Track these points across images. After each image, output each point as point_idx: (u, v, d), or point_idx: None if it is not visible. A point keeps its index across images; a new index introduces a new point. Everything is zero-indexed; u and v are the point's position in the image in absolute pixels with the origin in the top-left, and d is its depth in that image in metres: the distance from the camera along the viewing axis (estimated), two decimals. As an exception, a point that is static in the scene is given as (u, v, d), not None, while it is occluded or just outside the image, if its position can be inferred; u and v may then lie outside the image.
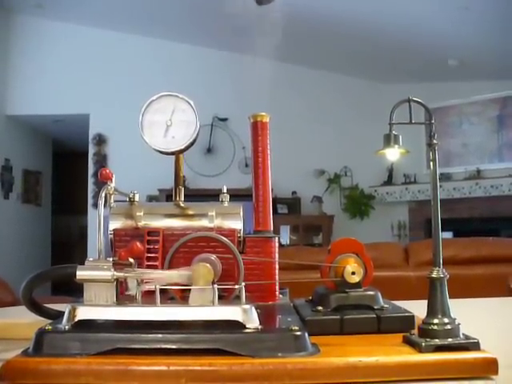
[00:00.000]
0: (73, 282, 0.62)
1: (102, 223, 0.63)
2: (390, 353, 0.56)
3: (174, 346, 0.56)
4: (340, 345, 0.61)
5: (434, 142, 0.61)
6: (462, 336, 0.57)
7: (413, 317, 0.66)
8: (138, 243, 0.63)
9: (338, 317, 0.66)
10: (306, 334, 0.57)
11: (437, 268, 0.59)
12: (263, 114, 0.80)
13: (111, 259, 0.62)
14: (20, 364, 0.54)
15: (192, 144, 0.72)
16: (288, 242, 4.60)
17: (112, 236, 0.73)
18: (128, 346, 0.56)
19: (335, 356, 0.55)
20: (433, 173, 0.61)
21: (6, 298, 2.28)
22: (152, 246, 0.72)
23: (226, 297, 0.64)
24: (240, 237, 0.75)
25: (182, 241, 0.65)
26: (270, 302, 0.75)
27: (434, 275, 0.59)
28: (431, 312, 0.59)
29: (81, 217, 5.07)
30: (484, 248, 1.97)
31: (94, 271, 0.61)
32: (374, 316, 0.66)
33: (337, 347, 0.59)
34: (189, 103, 0.71)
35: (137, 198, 0.75)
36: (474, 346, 0.56)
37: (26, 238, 5.00)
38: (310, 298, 0.77)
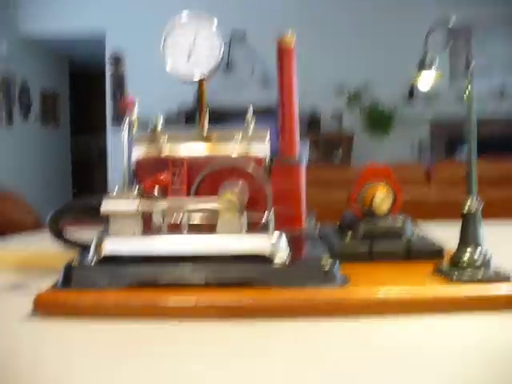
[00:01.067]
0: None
1: (126, 154, 0.62)
2: (420, 284, 0.56)
3: (201, 281, 0.56)
4: (369, 274, 0.60)
5: (472, 65, 0.58)
6: (492, 268, 0.57)
7: (442, 249, 0.65)
8: (164, 174, 0.62)
9: (367, 246, 0.66)
10: (336, 265, 0.57)
11: (471, 197, 0.58)
12: (289, 36, 0.75)
13: (136, 190, 0.61)
14: (51, 297, 0.55)
15: (216, 70, 0.69)
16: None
17: (135, 165, 0.72)
18: (155, 281, 0.56)
19: (364, 288, 0.55)
20: (469, 96, 0.58)
21: (30, 221, 2.33)
22: (177, 176, 0.71)
23: (253, 226, 0.63)
24: (267, 163, 0.73)
25: (208, 170, 0.64)
26: (297, 228, 0.74)
27: (467, 205, 0.58)
28: (463, 243, 0.58)
29: (100, 137, 5.08)
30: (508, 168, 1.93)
31: (119, 204, 0.60)
32: (403, 248, 0.66)
33: (366, 277, 0.59)
34: (212, 25, 0.68)
35: (160, 123, 0.73)
36: (505, 279, 0.55)
37: (45, 159, 5.05)
38: (338, 223, 0.76)
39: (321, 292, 0.54)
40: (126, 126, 0.64)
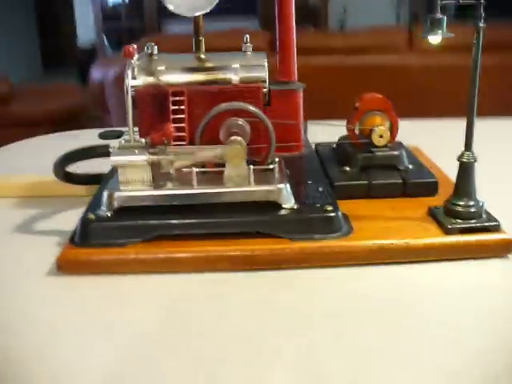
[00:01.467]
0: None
1: (130, 106, 0.62)
2: (419, 234, 0.60)
3: (212, 231, 0.60)
4: (369, 218, 0.64)
5: (481, 25, 0.57)
6: (484, 217, 0.61)
7: (436, 182, 0.69)
8: (171, 126, 0.62)
9: (366, 182, 0.69)
10: (340, 214, 0.61)
11: (467, 152, 0.61)
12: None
13: (143, 140, 0.62)
14: (73, 256, 0.58)
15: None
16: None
17: (133, 94, 0.71)
18: (169, 233, 0.60)
19: (368, 238, 0.60)
20: (475, 56, 0.58)
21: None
22: (178, 107, 0.71)
23: (256, 161, 0.65)
24: (266, 90, 0.73)
25: (210, 115, 0.64)
26: (296, 153, 0.76)
27: (464, 159, 0.61)
28: (458, 194, 0.61)
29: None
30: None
31: (128, 156, 0.61)
32: (401, 181, 0.69)
33: (366, 222, 0.63)
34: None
35: (155, 50, 0.71)
36: (495, 227, 0.60)
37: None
38: (334, 146, 0.79)
39: (329, 242, 0.59)
40: (128, 74, 0.62)
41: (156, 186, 0.61)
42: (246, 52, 0.74)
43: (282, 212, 0.61)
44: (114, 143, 0.64)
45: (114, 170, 0.66)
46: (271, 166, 0.63)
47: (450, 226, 0.60)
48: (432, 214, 0.64)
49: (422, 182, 0.69)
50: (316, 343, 0.48)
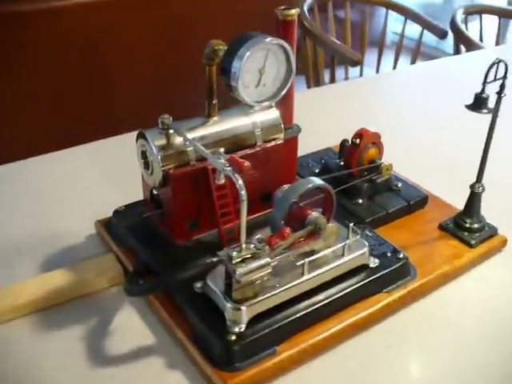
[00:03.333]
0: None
1: (244, 211, 0.61)
2: (456, 251, 0.77)
3: (330, 309, 0.67)
4: (406, 248, 0.77)
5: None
6: (486, 228, 0.81)
7: (427, 196, 0.86)
8: (287, 229, 0.63)
9: (385, 212, 0.81)
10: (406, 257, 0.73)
11: (478, 183, 0.78)
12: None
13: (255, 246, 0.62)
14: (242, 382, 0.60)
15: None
16: None
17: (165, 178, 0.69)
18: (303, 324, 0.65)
19: (431, 271, 0.74)
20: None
21: None
22: (223, 188, 0.70)
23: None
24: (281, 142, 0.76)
25: (295, 196, 0.67)
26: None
27: (475, 190, 0.78)
28: (468, 213, 0.79)
29: None
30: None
31: (252, 264, 0.61)
32: (406, 203, 0.83)
33: (410, 254, 0.76)
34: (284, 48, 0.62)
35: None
36: (495, 231, 0.81)
37: None
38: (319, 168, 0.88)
39: (409, 286, 0.72)
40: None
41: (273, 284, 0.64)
42: (254, 107, 0.75)
43: (373, 272, 0.70)
44: (222, 253, 0.63)
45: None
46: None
47: (473, 242, 0.78)
48: (444, 229, 0.81)
49: (419, 198, 0.85)
50: None
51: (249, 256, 0.62)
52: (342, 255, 0.69)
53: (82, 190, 0.93)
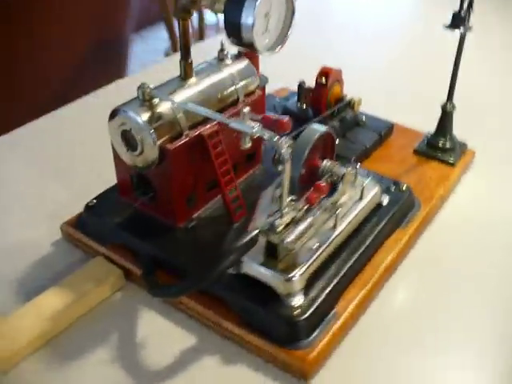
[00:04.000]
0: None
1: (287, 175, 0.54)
2: (441, 178, 0.77)
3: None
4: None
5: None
6: (458, 145, 0.82)
7: (393, 125, 0.85)
8: (322, 182, 0.58)
9: (364, 147, 0.79)
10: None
11: (449, 102, 0.78)
12: None
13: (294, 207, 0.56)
14: (312, 357, 0.55)
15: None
16: None
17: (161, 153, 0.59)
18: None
19: (430, 200, 0.74)
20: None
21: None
22: (218, 149, 0.62)
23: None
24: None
25: (309, 149, 0.61)
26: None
27: (447, 109, 0.78)
28: (440, 133, 0.80)
29: None
30: None
31: (297, 229, 0.55)
32: (379, 136, 0.81)
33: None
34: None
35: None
36: (465, 147, 0.82)
37: None
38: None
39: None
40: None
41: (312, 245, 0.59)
42: (225, 60, 0.68)
43: (386, 209, 0.68)
44: (262, 225, 0.56)
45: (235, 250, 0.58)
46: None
47: (452, 160, 0.79)
48: (419, 153, 0.81)
49: (387, 128, 0.83)
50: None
51: (289, 221, 0.56)
52: (361, 199, 0.65)
53: (16, 195, 0.78)
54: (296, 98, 0.82)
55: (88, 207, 0.67)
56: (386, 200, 0.69)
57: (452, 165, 0.79)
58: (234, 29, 0.52)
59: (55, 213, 0.72)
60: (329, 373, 0.54)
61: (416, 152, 0.81)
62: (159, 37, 3.01)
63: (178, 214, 0.63)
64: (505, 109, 0.99)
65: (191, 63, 0.63)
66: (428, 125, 0.82)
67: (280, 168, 0.53)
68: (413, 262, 0.67)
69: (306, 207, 0.58)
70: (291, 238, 0.54)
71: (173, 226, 0.64)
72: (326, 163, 0.63)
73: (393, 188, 0.70)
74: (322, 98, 0.78)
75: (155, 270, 0.60)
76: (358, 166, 0.65)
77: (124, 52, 1.91)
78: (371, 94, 0.84)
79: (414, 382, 0.54)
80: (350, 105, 0.78)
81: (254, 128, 0.52)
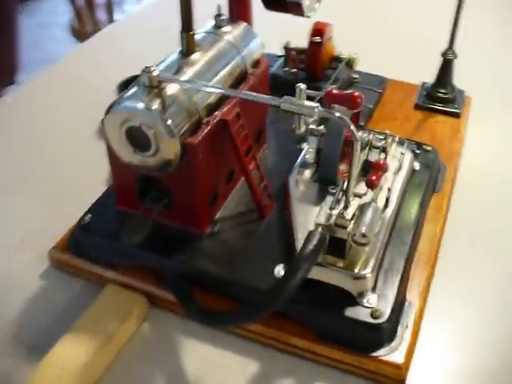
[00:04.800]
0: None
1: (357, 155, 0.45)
2: (452, 132, 0.71)
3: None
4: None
5: None
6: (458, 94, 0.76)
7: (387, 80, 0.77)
8: (381, 160, 0.49)
9: (368, 108, 0.71)
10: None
11: (450, 50, 0.71)
12: None
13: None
14: None
15: None
16: None
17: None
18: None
19: (451, 159, 0.68)
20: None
21: None
22: (240, 132, 0.52)
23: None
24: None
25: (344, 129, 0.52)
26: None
27: (448, 57, 0.72)
28: (440, 83, 0.74)
29: None
30: None
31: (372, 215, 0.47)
32: (377, 93, 0.74)
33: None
34: None
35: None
36: (463, 94, 0.77)
37: None
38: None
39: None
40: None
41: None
42: (223, 27, 0.57)
43: (420, 174, 0.61)
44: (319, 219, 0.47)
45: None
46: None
47: (457, 110, 0.73)
48: (422, 107, 0.74)
49: (383, 84, 0.76)
50: None
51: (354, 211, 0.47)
52: (400, 168, 0.58)
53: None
54: (281, 62, 0.73)
55: (84, 226, 0.54)
56: (417, 165, 0.62)
57: (458, 115, 0.73)
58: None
59: (30, 236, 0.59)
60: (419, 368, 0.48)
61: (418, 107, 0.74)
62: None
63: (202, 218, 0.53)
64: (495, 54, 0.94)
65: (194, 35, 0.51)
66: (419, 76, 0.76)
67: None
68: (455, 228, 0.61)
69: (368, 192, 0.49)
70: (363, 230, 0.46)
71: (197, 233, 0.53)
72: (363, 135, 0.55)
73: (417, 151, 0.63)
74: (317, 58, 0.69)
75: (191, 291, 0.50)
76: (396, 137, 0.58)
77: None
78: (355, 49, 0.76)
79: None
80: (349, 63, 0.70)
81: (318, 109, 0.42)
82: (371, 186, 0.48)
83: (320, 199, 0.55)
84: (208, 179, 0.51)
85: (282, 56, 0.73)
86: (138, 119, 0.46)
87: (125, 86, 0.72)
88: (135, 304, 0.51)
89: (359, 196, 0.49)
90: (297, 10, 0.43)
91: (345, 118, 0.42)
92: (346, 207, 0.47)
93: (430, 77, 0.76)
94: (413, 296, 0.51)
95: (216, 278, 0.50)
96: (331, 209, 0.48)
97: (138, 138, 0.48)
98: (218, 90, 0.47)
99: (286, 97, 0.43)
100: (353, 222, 0.46)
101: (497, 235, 0.60)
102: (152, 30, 1.01)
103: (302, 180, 0.58)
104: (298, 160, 0.59)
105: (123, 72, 0.72)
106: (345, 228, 0.46)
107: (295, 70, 0.71)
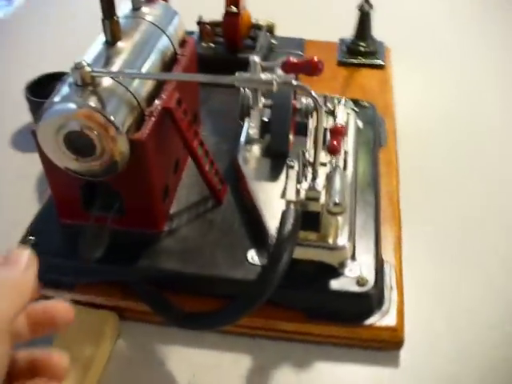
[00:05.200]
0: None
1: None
2: (382, 83, 0.71)
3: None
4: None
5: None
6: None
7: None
8: (338, 124, 0.47)
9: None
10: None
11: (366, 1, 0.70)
12: None
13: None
14: None
15: None
16: None
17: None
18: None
19: (388, 108, 0.67)
20: None
21: None
22: (183, 117, 0.48)
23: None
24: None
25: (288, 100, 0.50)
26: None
27: (364, 10, 0.71)
28: (360, 36, 0.73)
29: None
30: None
31: (336, 185, 0.45)
32: (300, 54, 0.71)
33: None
34: None
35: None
36: (383, 45, 0.76)
37: None
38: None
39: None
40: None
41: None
42: (142, 10, 0.52)
43: (365, 132, 0.61)
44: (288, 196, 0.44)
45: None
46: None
47: (381, 62, 0.73)
48: (345, 64, 0.73)
49: (302, 45, 0.74)
50: None
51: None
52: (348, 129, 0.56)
53: None
54: (196, 37, 0.69)
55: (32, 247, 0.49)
56: (360, 123, 0.60)
57: (382, 67, 0.73)
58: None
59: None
60: (412, 331, 0.47)
61: (341, 63, 0.73)
62: None
63: (158, 216, 0.49)
64: (406, 4, 0.95)
65: (118, 21, 0.46)
66: (338, 33, 0.75)
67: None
68: (408, 180, 0.61)
69: (331, 159, 0.47)
70: (336, 199, 0.44)
71: (155, 233, 0.49)
72: (305, 101, 0.53)
73: (356, 108, 0.62)
74: (235, 29, 0.65)
75: (167, 298, 0.46)
76: (343, 98, 0.56)
77: None
78: (268, 14, 0.73)
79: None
80: (269, 30, 0.67)
81: (283, 77, 0.39)
82: (334, 151, 0.46)
83: (276, 173, 0.53)
84: (159, 174, 0.47)
85: (192, 32, 0.69)
86: (77, 122, 0.41)
87: (35, 86, 0.66)
88: (106, 323, 0.46)
89: (324, 164, 0.47)
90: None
91: (306, 87, 0.40)
92: (314, 178, 0.44)
93: (347, 32, 0.75)
94: (388, 256, 0.51)
95: (188, 278, 0.47)
96: (299, 183, 0.45)
97: (78, 143, 0.43)
98: (161, 77, 0.43)
99: (240, 73, 0.40)
100: (323, 192, 0.44)
101: (448, 179, 0.61)
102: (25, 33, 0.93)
103: (251, 157, 0.55)
104: (242, 137, 0.56)
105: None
106: (317, 200, 0.44)
107: (212, 44, 0.67)
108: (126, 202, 0.47)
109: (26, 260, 0.28)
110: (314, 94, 0.40)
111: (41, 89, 0.67)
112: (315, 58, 0.39)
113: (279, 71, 0.44)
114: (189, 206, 0.52)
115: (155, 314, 0.45)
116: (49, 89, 0.67)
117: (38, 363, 0.30)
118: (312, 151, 0.48)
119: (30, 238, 0.49)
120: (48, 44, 0.85)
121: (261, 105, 0.41)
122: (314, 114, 0.53)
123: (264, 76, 0.39)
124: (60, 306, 0.30)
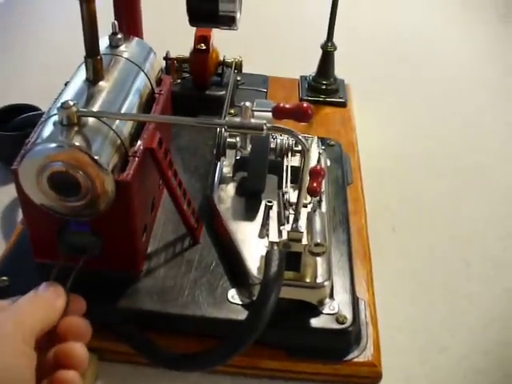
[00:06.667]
0: None
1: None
2: (344, 121, 0.73)
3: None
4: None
5: None
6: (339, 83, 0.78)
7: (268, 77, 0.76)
8: (318, 165, 0.47)
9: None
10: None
11: (329, 42, 0.73)
12: None
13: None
14: None
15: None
16: None
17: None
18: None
19: (350, 146, 0.69)
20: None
21: None
22: (165, 158, 0.48)
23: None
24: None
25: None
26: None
27: (328, 49, 0.73)
28: (322, 75, 0.75)
29: None
30: None
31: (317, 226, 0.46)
32: (264, 92, 0.73)
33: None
34: None
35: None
36: (343, 83, 0.79)
37: None
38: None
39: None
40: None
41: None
42: (120, 47, 0.53)
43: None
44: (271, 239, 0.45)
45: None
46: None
47: (343, 100, 0.75)
48: (307, 101, 0.74)
49: (265, 82, 0.76)
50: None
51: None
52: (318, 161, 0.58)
53: None
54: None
55: (2, 290, 0.47)
56: (328, 162, 0.62)
57: (344, 105, 0.75)
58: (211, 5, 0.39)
59: None
60: (389, 366, 0.48)
61: (303, 100, 0.75)
62: None
63: (137, 257, 0.49)
64: (367, 42, 0.98)
65: (101, 59, 0.46)
66: (298, 70, 0.77)
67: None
68: (375, 216, 0.63)
69: (312, 200, 0.48)
70: (318, 239, 0.45)
71: (133, 274, 0.49)
72: (279, 141, 0.54)
73: (323, 147, 0.64)
74: (204, 66, 0.66)
75: (150, 339, 0.45)
76: (315, 137, 0.58)
77: None
78: (234, 51, 0.74)
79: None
80: (237, 66, 0.68)
81: (267, 126, 0.40)
82: (314, 193, 0.47)
83: (252, 213, 0.53)
84: (141, 214, 0.47)
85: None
86: (63, 163, 0.41)
87: (4, 114, 0.64)
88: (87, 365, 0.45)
89: (305, 206, 0.48)
90: (229, 23, 0.41)
91: (293, 131, 0.41)
92: (296, 220, 0.45)
93: (310, 69, 0.77)
94: (362, 292, 0.52)
95: (170, 318, 0.47)
96: (281, 224, 0.46)
97: (62, 183, 0.42)
98: (149, 119, 0.43)
99: (230, 117, 0.41)
100: (305, 233, 0.46)
101: (413, 214, 0.63)
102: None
103: (226, 196, 0.55)
104: (216, 176, 0.57)
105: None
106: (300, 241, 0.45)
107: (179, 80, 0.68)
108: (105, 243, 0.47)
109: (60, 292, 0.39)
110: (302, 138, 0.41)
111: (4, 120, 0.66)
112: (304, 104, 0.41)
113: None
114: (166, 244, 0.52)
115: (141, 355, 0.44)
116: (15, 122, 0.66)
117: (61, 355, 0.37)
118: (291, 192, 0.49)
119: (3, 278, 0.48)
120: (12, 75, 0.83)
121: (249, 148, 0.42)
122: (289, 153, 0.54)
123: (254, 121, 0.40)
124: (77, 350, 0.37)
